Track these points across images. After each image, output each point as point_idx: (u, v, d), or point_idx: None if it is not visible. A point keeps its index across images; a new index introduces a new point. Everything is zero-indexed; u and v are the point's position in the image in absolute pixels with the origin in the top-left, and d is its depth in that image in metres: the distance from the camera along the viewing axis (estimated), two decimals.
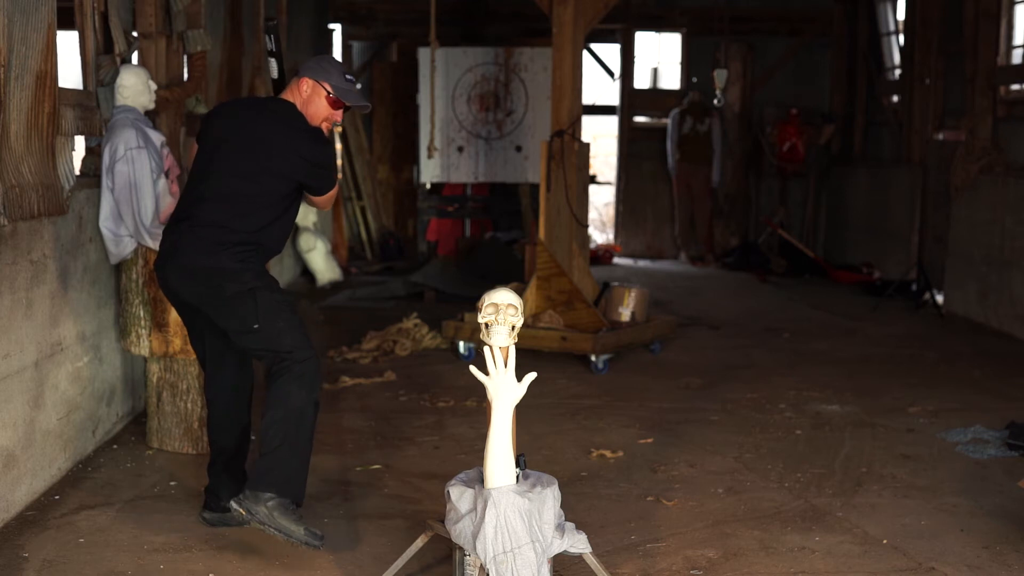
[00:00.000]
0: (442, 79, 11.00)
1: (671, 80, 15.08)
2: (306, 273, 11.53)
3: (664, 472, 5.42)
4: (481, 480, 3.69)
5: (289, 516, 4.06)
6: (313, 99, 4.36)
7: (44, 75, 4.75)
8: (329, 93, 4.35)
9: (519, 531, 3.50)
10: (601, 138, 17.90)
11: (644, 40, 14.84)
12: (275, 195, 4.30)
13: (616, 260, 13.81)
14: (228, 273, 4.20)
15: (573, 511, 4.72)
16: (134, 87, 5.63)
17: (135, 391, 6.15)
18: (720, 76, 12.24)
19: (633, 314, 8.02)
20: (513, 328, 3.68)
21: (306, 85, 4.36)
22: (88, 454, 5.47)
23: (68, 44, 6.32)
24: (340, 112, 4.42)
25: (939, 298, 10.28)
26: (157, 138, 5.60)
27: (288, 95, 4.41)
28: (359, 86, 4.54)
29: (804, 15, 13.88)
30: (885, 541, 4.55)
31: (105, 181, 5.44)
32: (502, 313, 3.65)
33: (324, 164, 4.37)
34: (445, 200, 12.35)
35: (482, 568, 3.55)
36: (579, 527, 3.81)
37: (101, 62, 5.75)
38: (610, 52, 14.98)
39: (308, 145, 4.31)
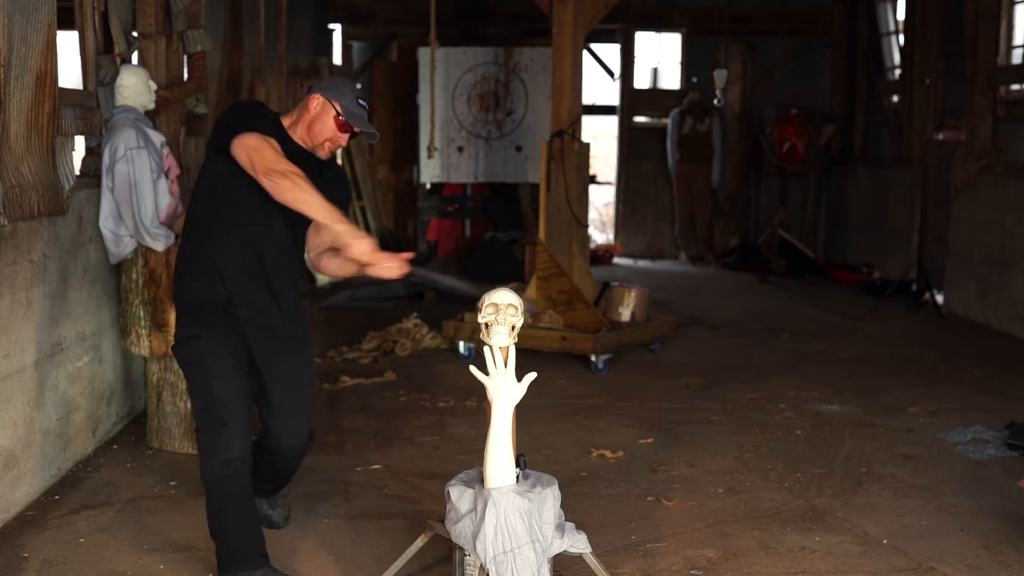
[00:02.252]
0: (442, 79, 10.98)
1: (671, 80, 15.07)
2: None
3: (664, 472, 5.42)
4: (481, 480, 3.68)
5: None
6: (321, 117, 4.16)
7: (44, 75, 4.75)
8: (338, 114, 4.14)
9: (519, 531, 3.50)
10: (601, 138, 17.90)
11: (644, 40, 14.83)
12: (207, 173, 4.08)
13: (616, 260, 13.81)
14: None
15: (573, 511, 4.71)
16: (134, 87, 5.63)
17: (135, 391, 6.15)
18: (720, 76, 12.23)
19: (633, 314, 8.02)
20: (513, 328, 3.68)
21: (316, 102, 4.16)
22: (88, 454, 5.47)
23: (68, 44, 6.32)
24: (346, 137, 4.20)
25: (939, 298, 10.28)
26: (157, 138, 5.60)
27: (295, 111, 4.22)
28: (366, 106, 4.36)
29: (804, 15, 13.87)
30: (885, 541, 4.55)
31: (105, 181, 5.44)
32: (502, 313, 3.65)
33: (226, 119, 4.06)
34: (445, 200, 12.33)
35: (482, 568, 3.55)
36: (579, 527, 3.81)
37: (101, 62, 5.75)
38: (610, 52, 14.98)
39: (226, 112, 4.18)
